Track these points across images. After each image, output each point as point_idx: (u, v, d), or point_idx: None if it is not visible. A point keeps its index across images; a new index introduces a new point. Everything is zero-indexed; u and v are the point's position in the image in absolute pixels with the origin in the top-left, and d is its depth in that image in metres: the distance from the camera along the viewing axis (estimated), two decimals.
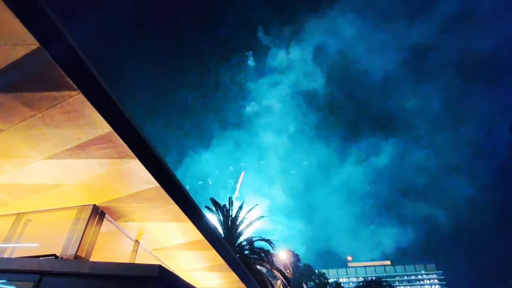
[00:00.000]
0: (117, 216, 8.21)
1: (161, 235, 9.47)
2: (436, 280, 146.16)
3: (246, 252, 26.45)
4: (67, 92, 4.63)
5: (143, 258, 9.98)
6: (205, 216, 9.13)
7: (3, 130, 5.32)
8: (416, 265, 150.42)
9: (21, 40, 3.93)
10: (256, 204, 32.34)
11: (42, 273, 5.62)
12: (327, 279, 79.35)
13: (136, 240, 9.56)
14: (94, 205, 7.56)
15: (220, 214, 28.78)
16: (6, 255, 7.40)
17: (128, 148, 5.71)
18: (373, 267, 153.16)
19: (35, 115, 5.00)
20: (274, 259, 28.08)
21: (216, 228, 11.52)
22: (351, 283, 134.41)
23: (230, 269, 11.35)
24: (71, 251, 6.84)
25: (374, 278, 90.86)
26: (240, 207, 29.51)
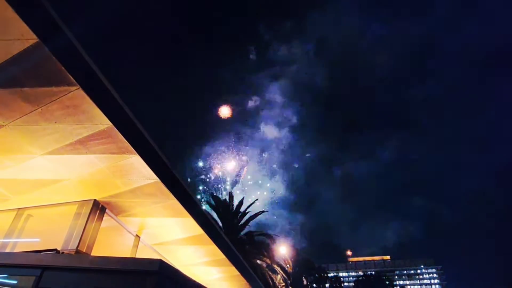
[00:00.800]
0: (117, 211, 8.24)
1: (161, 230, 9.52)
2: (435, 275, 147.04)
3: (246, 246, 26.56)
4: (66, 87, 4.62)
5: (144, 253, 10.03)
6: (205, 211, 9.17)
7: (3, 126, 5.32)
8: (415, 260, 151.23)
9: (19, 34, 3.91)
10: (257, 199, 32.52)
11: (44, 268, 5.66)
12: (327, 273, 79.87)
13: (136, 235, 9.60)
14: (95, 200, 7.59)
15: (221, 209, 28.88)
16: (7, 250, 7.44)
17: (128, 143, 5.71)
18: (372, 262, 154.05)
19: (34, 110, 4.99)
20: (274, 253, 28.25)
21: (216, 223, 11.57)
22: (351, 278, 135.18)
23: (230, 264, 11.42)
24: (72, 246, 6.88)
25: (373, 272, 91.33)
26: (241, 202, 29.62)
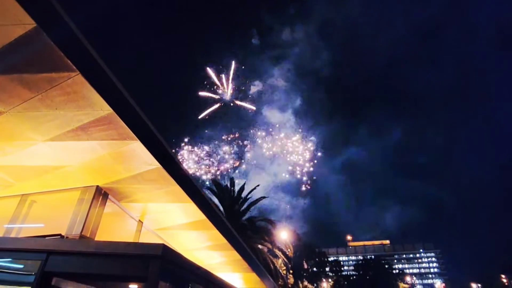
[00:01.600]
0: (120, 197, 8.32)
1: (164, 216, 9.63)
2: (433, 259, 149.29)
3: (248, 231, 26.93)
4: (66, 73, 4.58)
5: (147, 238, 10.18)
6: (207, 196, 9.24)
7: (4, 112, 5.31)
8: (414, 244, 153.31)
9: (17, 19, 3.85)
10: (258, 185, 32.74)
11: (49, 252, 5.76)
12: (327, 257, 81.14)
13: (139, 220, 9.72)
14: (97, 186, 7.65)
15: (222, 195, 29.12)
16: (12, 235, 7.56)
17: (129, 130, 5.71)
18: (372, 246, 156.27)
19: (34, 96, 4.97)
20: (275, 238, 28.65)
21: (218, 208, 11.68)
22: (351, 262, 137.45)
23: (232, 248, 11.59)
24: (76, 231, 6.98)
25: (372, 257, 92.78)
26: (242, 188, 29.83)
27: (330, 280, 77.53)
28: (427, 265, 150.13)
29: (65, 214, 7.43)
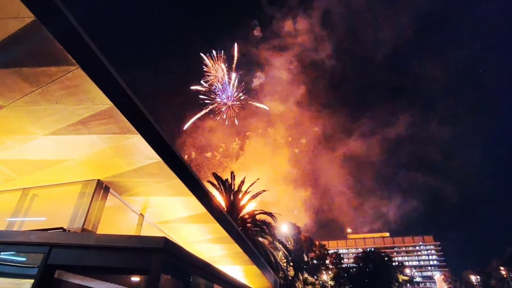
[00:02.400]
0: (121, 191, 8.35)
1: (165, 209, 9.68)
2: (433, 251, 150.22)
3: (249, 225, 27.09)
4: (65, 67, 4.57)
5: (148, 231, 10.25)
6: (207, 190, 9.27)
7: (4, 106, 5.31)
8: (414, 237, 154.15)
9: (15, 13, 3.83)
10: (258, 179, 32.78)
11: (52, 245, 5.81)
12: (327, 250, 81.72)
13: (141, 214, 9.78)
14: (98, 180, 7.68)
15: (223, 188, 29.21)
16: (15, 229, 7.62)
17: (130, 123, 5.71)
18: (372, 239, 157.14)
19: (35, 90, 4.97)
20: (276, 231, 28.83)
21: (218, 202, 11.74)
22: (350, 254, 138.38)
23: (232, 241, 11.66)
24: (78, 225, 7.03)
25: (372, 249, 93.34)
26: (242, 181, 29.90)
27: (330, 272, 78.22)
28: (426, 257, 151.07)
29: (66, 208, 7.48)
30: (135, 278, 6.75)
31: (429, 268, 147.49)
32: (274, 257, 26.97)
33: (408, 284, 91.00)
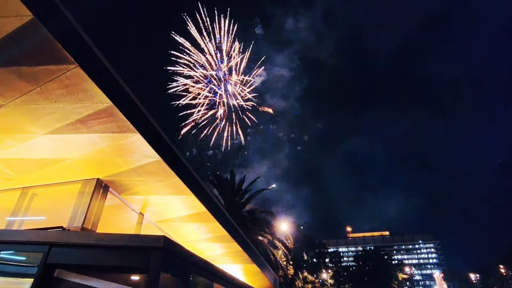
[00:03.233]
0: (121, 190, 8.35)
1: (165, 208, 9.67)
2: (432, 250, 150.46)
3: (249, 223, 27.10)
4: (64, 66, 4.55)
5: (148, 230, 10.25)
6: (207, 189, 9.27)
7: (3, 105, 5.30)
8: (413, 235, 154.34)
9: (14, 11, 3.82)
10: (258, 177, 32.85)
11: (51, 244, 5.80)
12: (327, 249, 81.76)
13: (140, 213, 9.78)
14: (98, 179, 7.67)
15: (223, 187, 29.22)
16: (14, 228, 7.61)
17: (129, 122, 5.69)
18: (371, 237, 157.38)
19: (33, 89, 4.95)
20: (276, 230, 28.85)
21: (218, 200, 11.75)
22: (350, 253, 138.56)
23: (232, 240, 11.67)
24: (77, 224, 7.02)
25: (372, 248, 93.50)
26: (242, 180, 29.92)
27: (330, 271, 78.31)
28: (426, 255, 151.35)
29: (66, 207, 7.47)
30: (135, 277, 6.75)
31: (429, 266, 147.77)
32: (273, 255, 27.00)
33: (407, 283, 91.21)
